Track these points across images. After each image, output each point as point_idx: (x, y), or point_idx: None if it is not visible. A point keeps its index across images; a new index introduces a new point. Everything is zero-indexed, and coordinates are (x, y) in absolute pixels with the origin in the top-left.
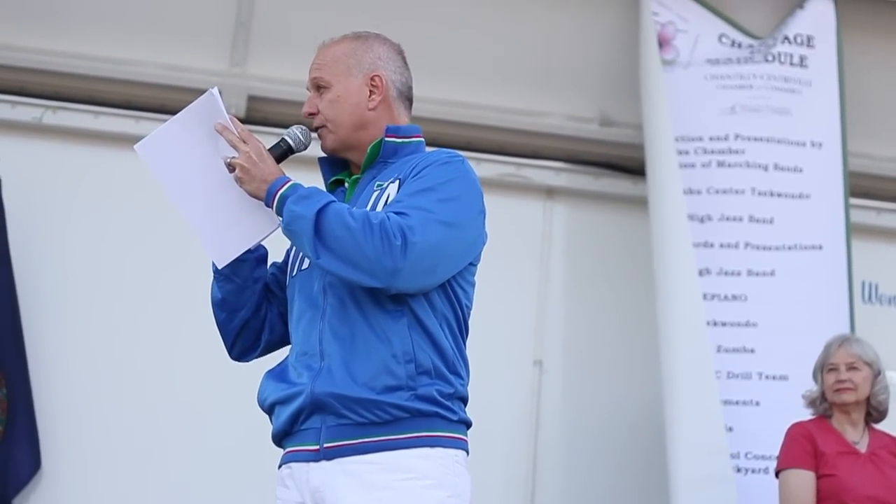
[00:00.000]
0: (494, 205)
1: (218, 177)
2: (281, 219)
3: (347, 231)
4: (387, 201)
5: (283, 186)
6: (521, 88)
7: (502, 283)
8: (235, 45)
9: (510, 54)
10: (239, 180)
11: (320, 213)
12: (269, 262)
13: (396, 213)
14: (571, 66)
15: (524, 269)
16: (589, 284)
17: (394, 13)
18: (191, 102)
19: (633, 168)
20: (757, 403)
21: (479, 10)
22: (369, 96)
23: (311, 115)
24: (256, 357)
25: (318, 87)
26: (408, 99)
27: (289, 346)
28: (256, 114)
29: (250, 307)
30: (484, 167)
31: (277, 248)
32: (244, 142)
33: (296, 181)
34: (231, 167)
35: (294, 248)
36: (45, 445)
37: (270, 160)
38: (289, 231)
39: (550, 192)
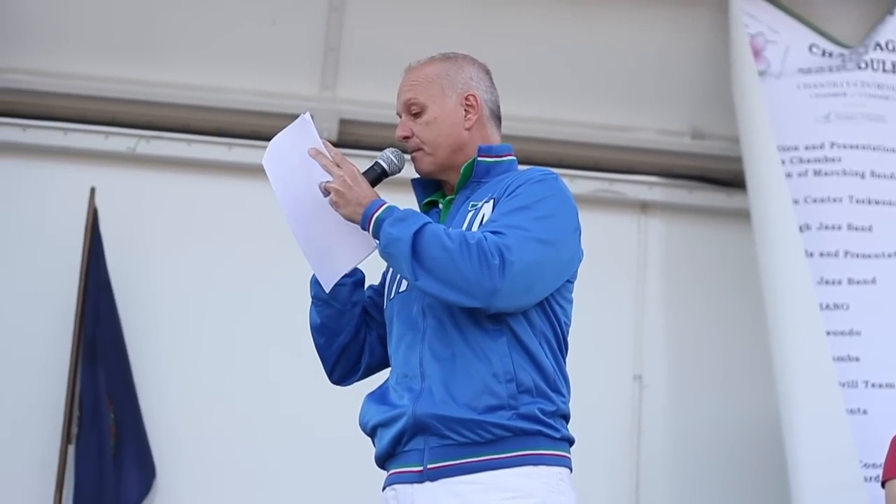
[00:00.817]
0: (589, 221)
1: (313, 202)
2: (378, 242)
3: (445, 252)
4: (482, 221)
5: (378, 209)
6: (612, 104)
7: (599, 299)
8: (325, 70)
9: (600, 70)
10: (334, 204)
11: (417, 234)
12: (366, 286)
13: (493, 232)
14: (662, 80)
15: (621, 284)
16: (686, 297)
17: (483, 33)
18: (283, 128)
19: (728, 180)
20: (864, 412)
21: (568, 26)
22: (465, 116)
23: (405, 138)
24: (357, 380)
25: (411, 109)
26: (498, 118)
27: (388, 369)
28: (348, 137)
29: (349, 331)
30: (577, 184)
31: (374, 271)
32: (338, 166)
33: (391, 203)
34: (326, 192)
35: (391, 270)
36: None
37: (365, 183)
38: (386, 254)
39: (644, 207)
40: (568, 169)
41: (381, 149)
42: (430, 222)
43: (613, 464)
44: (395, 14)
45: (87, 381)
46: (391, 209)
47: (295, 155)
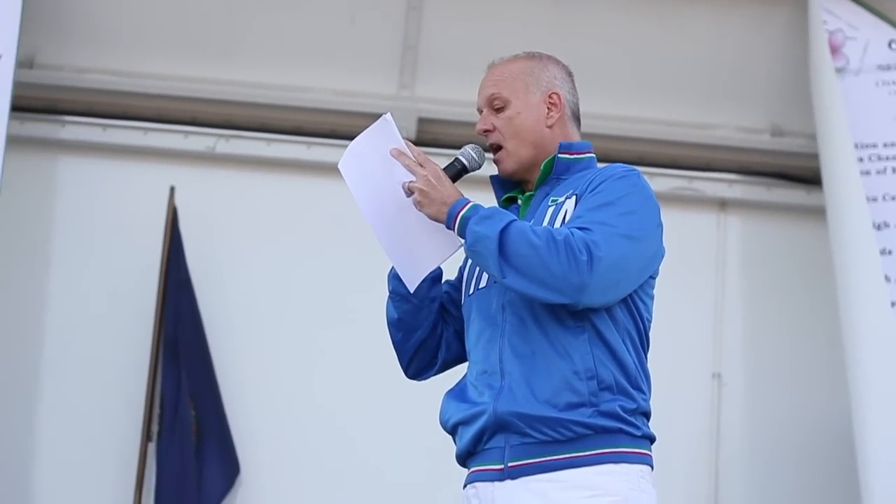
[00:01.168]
0: (668, 218)
1: (396, 202)
2: (463, 240)
3: (532, 249)
4: (564, 217)
5: (463, 208)
6: (690, 101)
7: (678, 297)
8: (404, 68)
9: (679, 68)
10: (418, 204)
11: (504, 232)
12: (443, 280)
13: (579, 228)
14: (740, 77)
15: (700, 281)
16: (765, 295)
17: (561, 30)
18: (361, 127)
19: (807, 177)
20: None
21: (646, 24)
22: (547, 114)
23: (487, 132)
24: (432, 375)
25: (494, 104)
26: (578, 120)
27: (465, 364)
28: (427, 136)
29: (427, 327)
30: (656, 181)
31: (451, 267)
32: (421, 165)
33: (476, 202)
34: (409, 192)
35: (468, 266)
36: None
37: (448, 182)
38: (473, 252)
39: (723, 205)
40: (647, 167)
41: (459, 147)
42: (515, 219)
43: (692, 462)
44: (473, 12)
45: (168, 381)
46: (476, 207)
47: (376, 156)
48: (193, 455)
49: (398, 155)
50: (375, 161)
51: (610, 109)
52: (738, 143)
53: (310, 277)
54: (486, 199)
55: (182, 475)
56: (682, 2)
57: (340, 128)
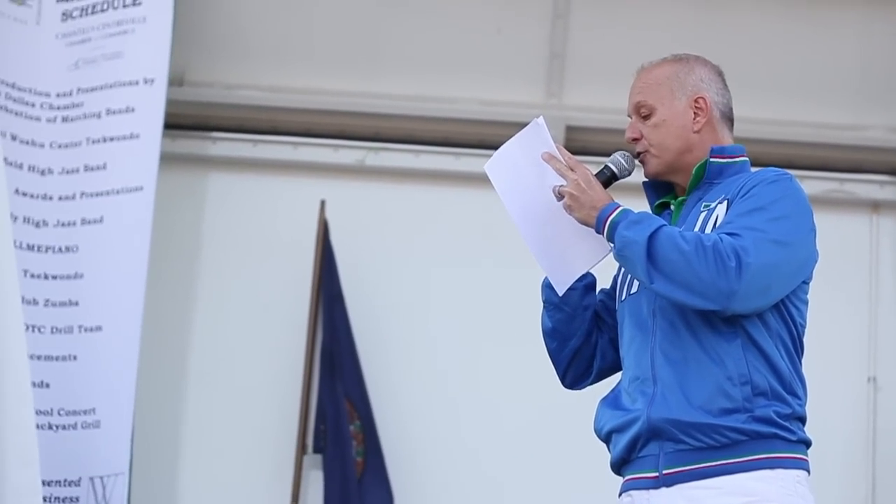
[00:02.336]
0: (819, 221)
1: (545, 206)
2: (612, 245)
3: (681, 255)
4: (716, 222)
5: (613, 212)
6: (840, 103)
7: (831, 300)
8: (551, 77)
9: (828, 69)
10: (568, 208)
11: (652, 237)
12: (598, 289)
13: (728, 233)
14: (891, 77)
15: (853, 284)
16: None
17: (708, 34)
18: (510, 136)
19: None
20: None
21: (793, 25)
22: (694, 119)
23: (635, 140)
24: (589, 384)
25: (641, 111)
26: (730, 120)
27: (620, 372)
28: (575, 143)
29: (581, 335)
30: (807, 184)
31: (605, 275)
32: (572, 169)
33: (626, 207)
34: (560, 195)
35: (621, 272)
36: (394, 480)
37: (599, 187)
38: (621, 257)
39: (876, 206)
40: (796, 170)
41: (608, 154)
42: (665, 225)
43: (848, 468)
44: (619, 19)
45: (327, 394)
46: (626, 212)
47: (527, 160)
48: (357, 469)
49: (549, 159)
50: (526, 165)
51: (758, 113)
52: (889, 143)
53: (459, 289)
54: (638, 206)
55: (345, 490)
56: (830, 2)
57: (488, 138)
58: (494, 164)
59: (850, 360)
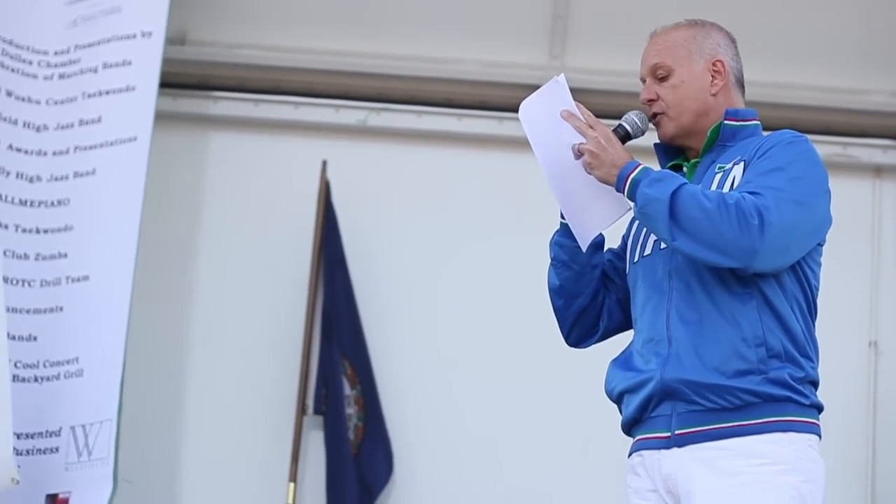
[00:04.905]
0: None
1: (565, 163)
2: (633, 203)
3: (703, 212)
4: (732, 183)
5: (634, 170)
6: (843, 66)
7: (833, 264)
8: (554, 39)
9: (832, 33)
10: (588, 166)
11: (675, 195)
12: (605, 248)
13: (749, 192)
14: (894, 40)
15: (855, 249)
16: None
17: None
18: (512, 98)
19: None
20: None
21: None
22: (712, 81)
23: (650, 101)
24: (593, 343)
25: (658, 73)
26: (742, 86)
27: (626, 333)
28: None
29: (588, 294)
30: None
31: (613, 235)
32: (591, 127)
33: (646, 165)
34: (579, 153)
35: (631, 234)
36: (394, 445)
37: (619, 145)
38: (642, 214)
39: (878, 171)
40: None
41: (612, 117)
42: (686, 182)
43: (848, 432)
44: None
45: (326, 358)
46: (647, 170)
47: (547, 117)
48: (359, 433)
49: (568, 116)
50: (546, 122)
51: (762, 76)
52: (893, 108)
53: (461, 251)
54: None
55: (345, 455)
56: None
57: (491, 99)
58: (523, 114)
59: (851, 324)
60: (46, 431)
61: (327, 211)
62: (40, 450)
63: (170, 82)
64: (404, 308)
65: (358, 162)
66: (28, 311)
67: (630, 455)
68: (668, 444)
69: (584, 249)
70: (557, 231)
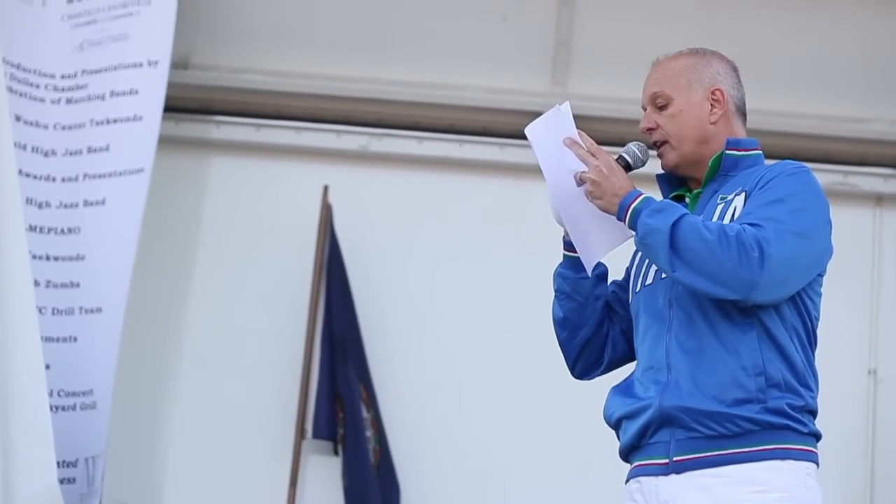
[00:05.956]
0: None
1: (567, 190)
2: (633, 232)
3: (704, 243)
4: (734, 214)
5: (635, 200)
6: (844, 95)
7: (834, 293)
8: (556, 65)
9: (833, 62)
10: (590, 194)
11: (675, 225)
12: (610, 280)
13: (750, 224)
14: (895, 69)
15: (856, 277)
16: None
17: (714, 26)
18: (514, 124)
19: None
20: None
21: (799, 18)
22: (711, 110)
23: (650, 130)
24: (599, 375)
25: (657, 102)
26: (743, 114)
27: (632, 363)
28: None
29: (592, 325)
30: None
31: (617, 266)
32: (594, 156)
33: (648, 194)
34: (580, 181)
35: (634, 264)
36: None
37: (621, 173)
38: (643, 244)
39: (880, 199)
40: (801, 162)
41: (614, 144)
42: (687, 213)
43: (848, 460)
44: (625, 8)
45: (343, 382)
46: (648, 200)
47: (550, 143)
48: (373, 456)
49: (571, 144)
50: (549, 148)
51: (763, 104)
52: (893, 137)
53: (462, 276)
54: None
55: (365, 480)
56: None
57: (493, 126)
58: (531, 135)
59: (851, 352)
60: (64, 462)
61: (329, 236)
62: (59, 480)
63: (172, 106)
64: (407, 332)
65: (359, 187)
66: (41, 339)
67: (627, 481)
68: (666, 470)
69: (588, 274)
70: (561, 263)
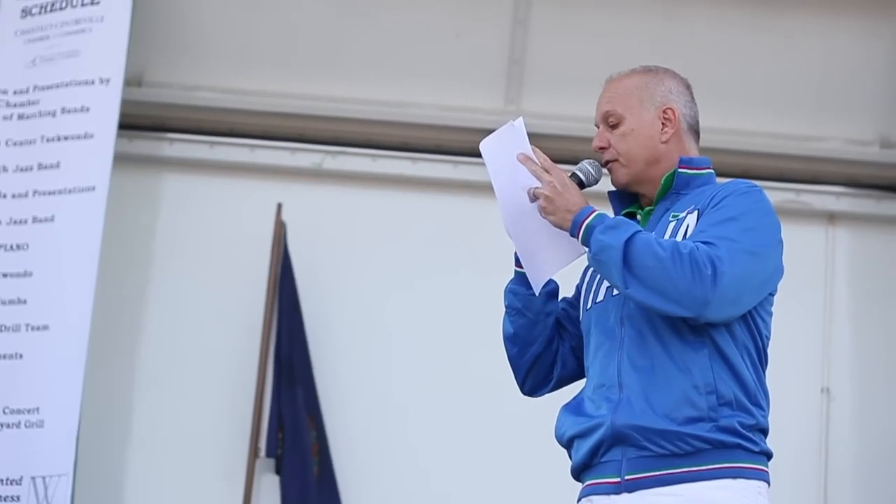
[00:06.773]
0: None
1: (520, 206)
2: (586, 249)
3: (657, 261)
4: (686, 232)
5: (589, 216)
6: (798, 113)
7: (786, 311)
8: (510, 83)
9: (786, 80)
10: (543, 210)
11: (629, 242)
12: (560, 297)
13: (703, 242)
14: (848, 89)
15: (808, 295)
16: (875, 309)
17: (669, 44)
18: (467, 142)
19: None
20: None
21: (752, 35)
22: (662, 129)
23: (602, 149)
24: (548, 392)
25: (609, 120)
26: (696, 133)
27: (581, 381)
28: None
29: (542, 341)
30: None
31: (568, 283)
32: (547, 172)
33: (601, 211)
34: (534, 197)
35: (585, 281)
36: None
37: (574, 189)
38: (596, 261)
39: (832, 218)
40: (753, 180)
41: (567, 162)
42: (641, 230)
43: (801, 477)
44: (580, 26)
45: (287, 401)
46: (602, 216)
47: (504, 159)
48: (315, 478)
49: (524, 160)
50: (502, 164)
51: (716, 122)
52: (846, 155)
53: (415, 294)
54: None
55: (305, 499)
56: (789, 14)
57: (446, 143)
58: (485, 150)
59: (804, 370)
60: (7, 479)
61: (282, 254)
62: (2, 497)
63: (126, 124)
64: (356, 351)
65: (313, 205)
66: None
67: (579, 500)
68: (617, 489)
69: (536, 293)
70: (512, 279)
